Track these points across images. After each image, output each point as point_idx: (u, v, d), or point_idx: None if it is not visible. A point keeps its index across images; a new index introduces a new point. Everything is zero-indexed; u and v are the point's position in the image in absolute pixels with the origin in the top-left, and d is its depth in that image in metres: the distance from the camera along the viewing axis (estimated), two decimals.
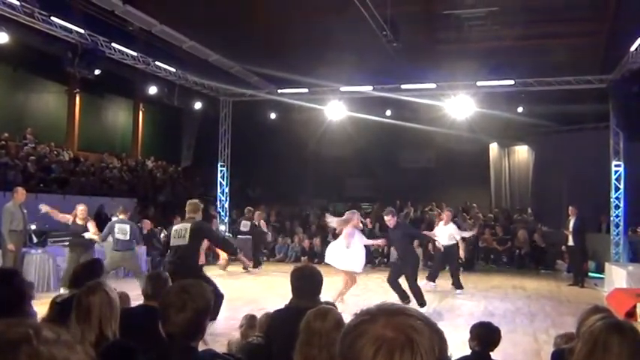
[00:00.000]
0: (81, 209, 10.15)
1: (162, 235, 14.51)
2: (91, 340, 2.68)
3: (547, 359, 3.64)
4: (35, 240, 11.25)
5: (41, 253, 10.92)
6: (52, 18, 11.36)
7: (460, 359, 4.00)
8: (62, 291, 8.14)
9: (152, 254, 13.24)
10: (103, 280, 3.02)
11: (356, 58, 14.39)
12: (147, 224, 13.50)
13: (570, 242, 12.99)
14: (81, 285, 3.74)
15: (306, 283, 3.80)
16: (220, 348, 4.37)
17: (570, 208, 13.08)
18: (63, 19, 11.59)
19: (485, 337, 4.07)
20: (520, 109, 15.94)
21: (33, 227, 11.08)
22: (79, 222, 10.03)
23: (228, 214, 18.53)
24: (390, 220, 9.50)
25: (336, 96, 16.21)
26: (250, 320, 5.02)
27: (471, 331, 4.14)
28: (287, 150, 20.48)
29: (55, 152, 16.76)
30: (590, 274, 14.07)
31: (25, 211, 9.94)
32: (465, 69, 14.83)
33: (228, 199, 18.63)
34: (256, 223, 15.54)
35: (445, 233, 11.79)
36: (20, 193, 9.95)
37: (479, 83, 14.97)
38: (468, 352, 4.11)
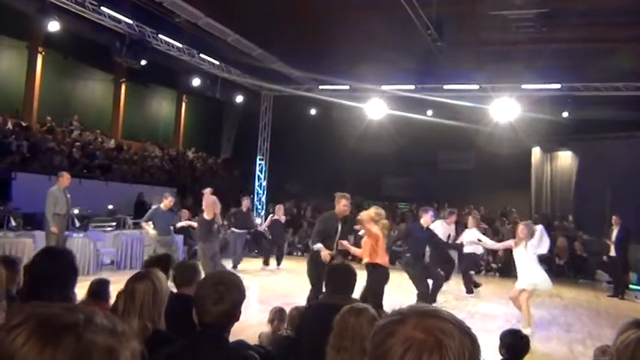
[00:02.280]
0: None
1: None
2: (134, 326, 2.72)
3: None
4: (77, 224, 11.55)
5: (82, 237, 11.23)
6: (102, 8, 11.65)
7: None
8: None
9: (189, 243, 13.44)
10: (155, 270, 3.07)
11: (398, 56, 14.26)
12: (185, 214, 13.71)
13: (612, 252, 12.67)
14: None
15: (341, 280, 3.84)
16: (252, 340, 4.41)
17: (614, 217, 12.73)
18: (112, 10, 11.88)
19: (512, 345, 4.04)
20: (565, 114, 15.57)
21: (76, 211, 11.37)
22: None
23: (264, 207, 18.68)
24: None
25: (377, 94, 16.14)
26: (280, 313, 5.06)
27: (500, 339, 4.11)
28: (326, 146, 20.49)
29: (100, 139, 17.17)
30: (631, 286, 13.67)
31: (68, 195, 10.17)
32: (510, 71, 14.55)
33: (265, 192, 18.77)
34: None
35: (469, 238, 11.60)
36: (65, 177, 10.19)
37: (524, 86, 14.68)
38: (499, 358, 4.07)
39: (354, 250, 8.02)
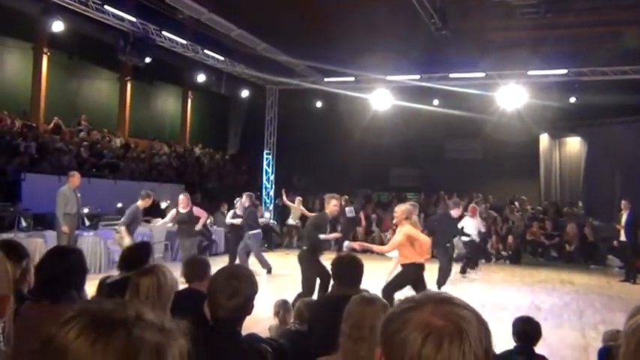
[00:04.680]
0: (182, 198, 10.76)
1: (208, 220, 14.74)
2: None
3: (595, 356, 3.56)
4: (87, 223, 11.62)
5: (93, 236, 11.31)
6: (106, 7, 11.66)
7: (503, 353, 3.96)
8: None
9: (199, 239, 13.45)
10: (160, 264, 3.07)
11: (403, 46, 14.20)
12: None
13: (622, 237, 12.61)
14: (129, 267, 3.87)
15: (347, 272, 3.87)
16: (263, 333, 4.43)
17: (623, 202, 12.68)
18: (115, 8, 11.88)
19: (524, 332, 4.06)
20: (573, 100, 15.46)
21: (86, 210, 11.43)
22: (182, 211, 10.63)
23: (273, 201, 18.72)
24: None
25: (382, 85, 16.09)
26: (284, 305, 5.11)
27: (512, 326, 4.13)
28: (332, 139, 20.48)
29: (107, 138, 17.23)
30: None
31: (78, 194, 10.25)
32: (516, 58, 14.45)
33: (273, 186, 18.80)
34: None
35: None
36: (76, 177, 10.25)
37: (530, 72, 14.60)
38: (512, 345, 4.08)
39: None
